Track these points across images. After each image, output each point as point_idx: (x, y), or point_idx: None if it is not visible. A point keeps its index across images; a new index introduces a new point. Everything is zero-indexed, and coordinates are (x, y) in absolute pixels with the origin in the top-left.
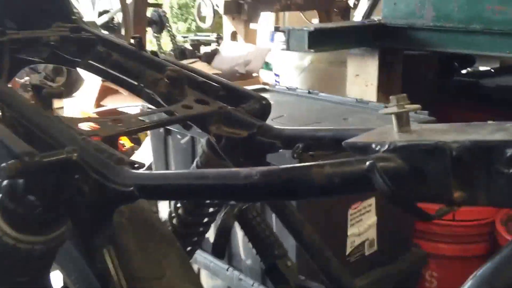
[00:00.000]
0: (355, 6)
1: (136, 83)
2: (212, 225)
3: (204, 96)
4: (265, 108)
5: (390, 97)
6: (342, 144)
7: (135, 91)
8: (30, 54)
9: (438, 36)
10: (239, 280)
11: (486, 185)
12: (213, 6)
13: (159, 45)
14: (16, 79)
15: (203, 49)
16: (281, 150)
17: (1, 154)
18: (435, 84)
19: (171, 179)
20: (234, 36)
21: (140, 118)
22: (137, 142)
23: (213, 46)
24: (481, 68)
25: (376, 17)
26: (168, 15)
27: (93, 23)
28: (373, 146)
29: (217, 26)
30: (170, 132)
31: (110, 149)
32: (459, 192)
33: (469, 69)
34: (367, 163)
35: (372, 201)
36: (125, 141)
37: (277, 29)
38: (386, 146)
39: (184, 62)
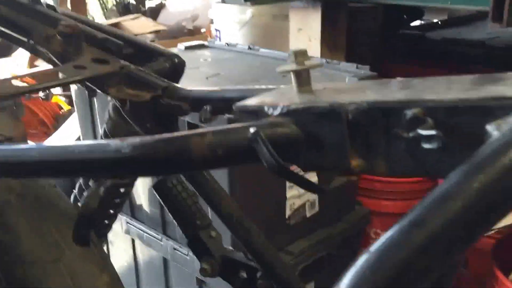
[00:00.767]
0: None
1: (25, 39)
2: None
3: (105, 54)
4: (176, 68)
5: (288, 52)
6: (233, 107)
7: (29, 49)
8: None
9: None
10: (174, 250)
11: (385, 151)
12: None
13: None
14: None
15: (148, 4)
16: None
17: None
18: (381, 37)
19: (31, 154)
20: None
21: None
22: None
23: (159, 0)
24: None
25: None
26: None
27: None
28: (265, 109)
29: None
30: (95, 94)
31: None
32: (357, 160)
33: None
34: (250, 130)
35: None
36: (62, 104)
37: None
38: (279, 110)
39: (125, 18)
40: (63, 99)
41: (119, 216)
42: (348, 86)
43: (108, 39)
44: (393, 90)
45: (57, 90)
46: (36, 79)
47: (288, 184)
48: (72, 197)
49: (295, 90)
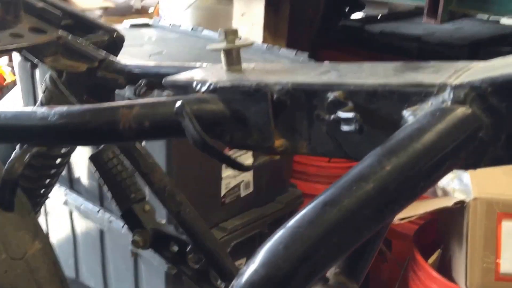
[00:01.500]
0: None
1: None
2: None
3: (44, 24)
4: (115, 41)
5: (219, 30)
6: (163, 82)
7: None
8: None
9: None
10: (110, 222)
11: (307, 133)
12: None
13: None
14: None
15: None
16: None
17: None
18: (322, 27)
19: None
20: None
21: None
22: None
23: None
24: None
25: None
26: None
27: None
28: (194, 85)
29: None
30: (36, 66)
31: None
32: (280, 140)
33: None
34: (177, 104)
35: None
36: (8, 75)
37: None
38: (207, 86)
39: None
40: (7, 70)
41: (57, 187)
42: (277, 68)
43: (46, 9)
44: (320, 73)
45: (1, 61)
46: None
47: (224, 164)
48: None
49: (225, 68)
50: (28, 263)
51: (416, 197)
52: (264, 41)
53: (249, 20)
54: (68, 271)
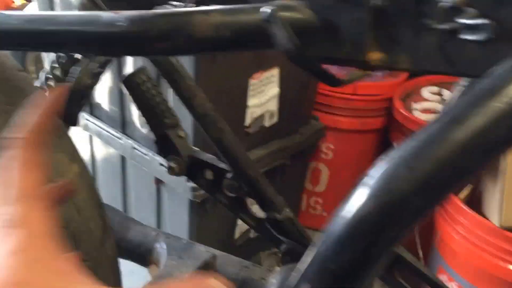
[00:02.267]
0: None
1: None
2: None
3: None
4: None
5: None
6: None
7: None
8: None
9: None
10: (133, 149)
11: (411, 44)
12: None
13: None
14: None
15: None
16: None
17: None
18: None
19: (10, 22)
20: None
21: None
22: None
23: None
24: None
25: None
26: None
27: None
28: None
29: None
30: None
31: None
32: (376, 52)
33: None
34: (266, 10)
35: (275, 71)
36: None
37: None
38: None
39: None
40: None
41: None
42: None
43: None
44: None
45: None
46: None
47: (250, 92)
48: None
49: None
50: None
51: None
52: None
53: None
54: None
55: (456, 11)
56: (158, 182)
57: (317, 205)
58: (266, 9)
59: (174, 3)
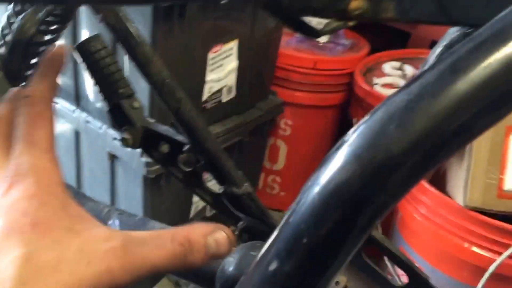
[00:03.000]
0: None
1: None
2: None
3: None
4: None
5: None
6: None
7: None
8: None
9: None
10: (87, 122)
11: None
12: None
13: None
14: None
15: None
16: None
17: None
18: None
19: None
20: None
21: None
22: None
23: None
24: None
25: None
26: None
27: None
28: None
29: None
30: None
31: None
32: (357, 0)
33: None
34: None
35: (234, 44)
36: None
37: None
38: None
39: None
40: None
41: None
42: None
43: None
44: None
45: None
46: None
47: (209, 67)
48: None
49: None
50: None
51: None
52: None
53: None
54: None
55: None
56: (112, 156)
57: (275, 184)
58: None
59: None
